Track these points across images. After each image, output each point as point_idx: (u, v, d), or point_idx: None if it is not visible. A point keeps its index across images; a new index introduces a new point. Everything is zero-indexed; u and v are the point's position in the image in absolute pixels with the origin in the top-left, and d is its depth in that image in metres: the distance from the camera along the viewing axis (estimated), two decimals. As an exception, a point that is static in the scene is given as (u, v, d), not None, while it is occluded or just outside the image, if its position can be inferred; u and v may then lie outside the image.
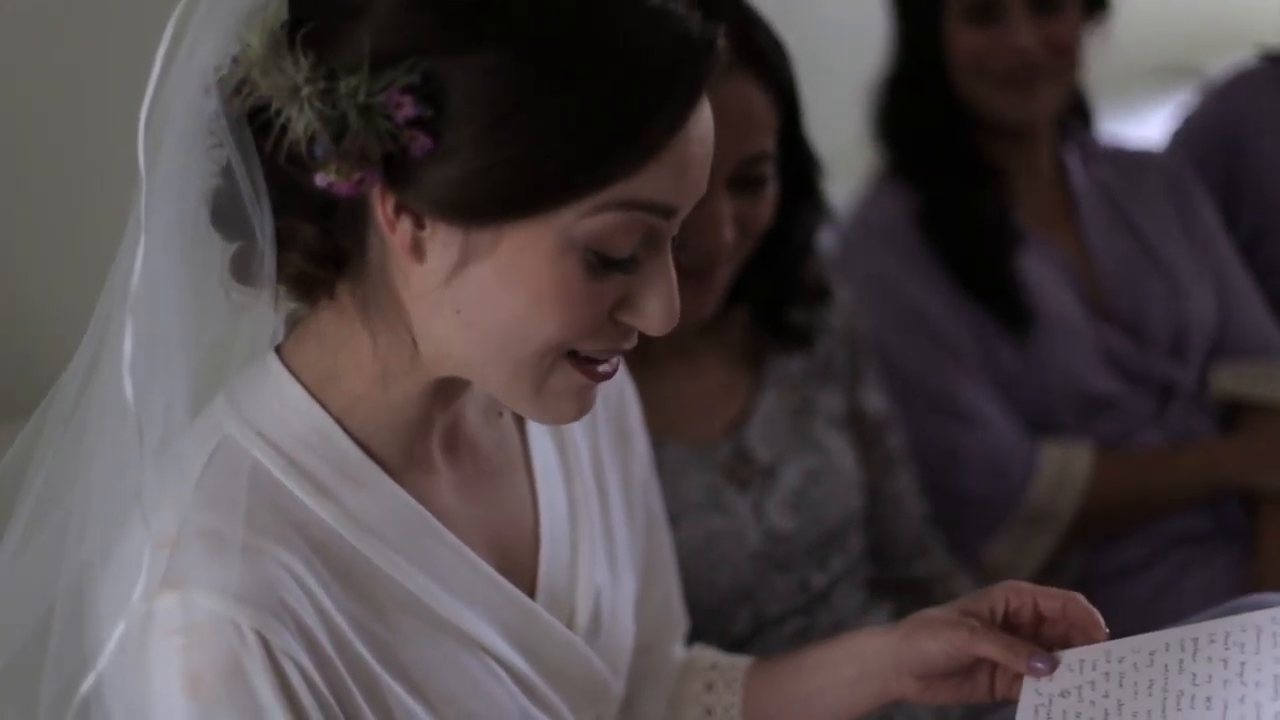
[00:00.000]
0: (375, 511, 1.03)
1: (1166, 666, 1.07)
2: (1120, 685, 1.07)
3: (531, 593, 1.13)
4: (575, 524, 1.18)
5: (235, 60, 0.95)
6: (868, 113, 2.02)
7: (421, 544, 1.04)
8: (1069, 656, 1.10)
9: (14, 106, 1.61)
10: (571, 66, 0.92)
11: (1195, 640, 1.08)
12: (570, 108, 0.92)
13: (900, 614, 1.21)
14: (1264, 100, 2.31)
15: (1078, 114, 2.09)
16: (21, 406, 1.06)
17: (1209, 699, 1.04)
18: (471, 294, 0.96)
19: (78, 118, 1.64)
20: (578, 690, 1.14)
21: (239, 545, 0.95)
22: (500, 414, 1.16)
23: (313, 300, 1.02)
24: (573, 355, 0.99)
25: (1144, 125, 2.62)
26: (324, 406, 1.03)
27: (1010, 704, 1.11)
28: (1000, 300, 1.93)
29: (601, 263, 0.96)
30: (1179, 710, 1.04)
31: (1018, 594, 1.13)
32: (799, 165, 1.53)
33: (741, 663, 1.32)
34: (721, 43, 0.97)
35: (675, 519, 1.42)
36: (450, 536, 1.06)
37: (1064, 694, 1.08)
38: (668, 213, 0.97)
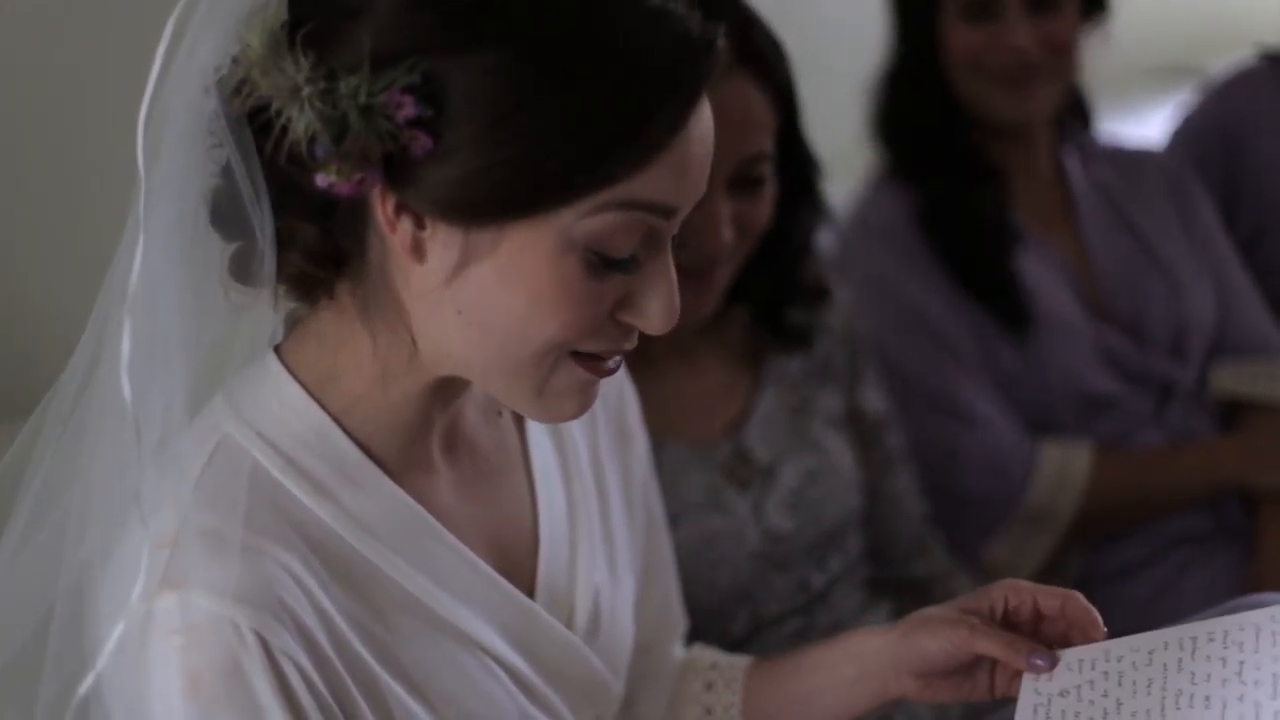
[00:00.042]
0: (374, 511, 1.03)
1: (1165, 665, 1.07)
2: (1119, 684, 1.07)
3: (531, 593, 1.13)
4: (574, 524, 1.18)
5: (235, 60, 0.95)
6: (866, 112, 2.03)
7: (420, 544, 1.04)
8: (1068, 656, 1.10)
9: (14, 106, 1.61)
10: (571, 66, 0.92)
11: (1194, 639, 1.08)
12: (570, 107, 0.92)
13: (899, 614, 1.22)
14: (1263, 100, 2.31)
15: (1077, 114, 2.09)
16: (21, 406, 1.06)
17: (1208, 698, 1.04)
18: (472, 294, 0.96)
19: (78, 118, 1.64)
20: (577, 690, 1.14)
21: (238, 545, 0.95)
22: (499, 414, 1.16)
23: (312, 300, 1.02)
24: (575, 353, 0.99)
25: (1143, 125, 2.62)
26: (323, 406, 1.03)
27: (1010, 702, 1.11)
28: (999, 300, 1.93)
29: (602, 262, 0.96)
30: (1178, 709, 1.04)
31: (1017, 592, 1.14)
32: (798, 165, 1.53)
33: (741, 662, 1.32)
34: (722, 43, 0.97)
35: (675, 519, 1.42)
36: (449, 536, 1.06)
37: (1063, 693, 1.08)
38: (668, 213, 0.97)
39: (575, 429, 1.21)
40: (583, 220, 0.94)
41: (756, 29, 1.46)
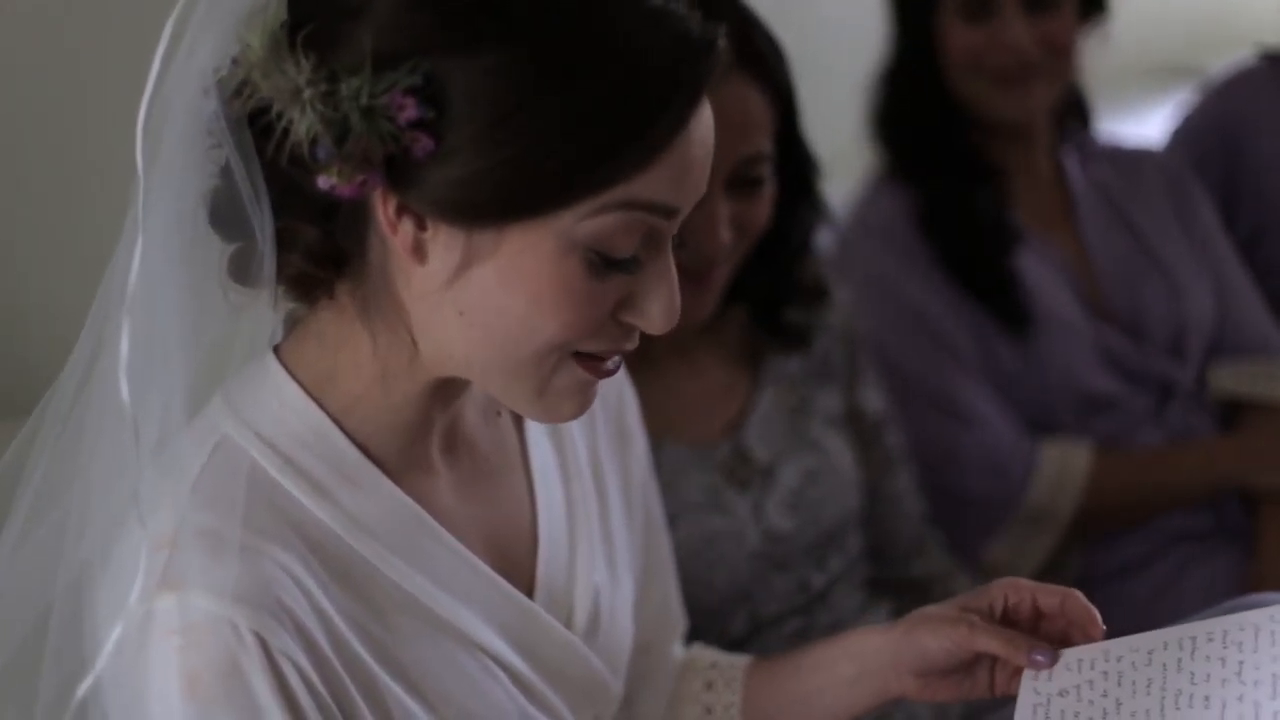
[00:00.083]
0: (373, 512, 1.03)
1: (1165, 665, 1.07)
2: (1119, 684, 1.07)
3: (530, 593, 1.13)
4: (573, 524, 1.18)
5: (235, 62, 0.95)
6: (865, 112, 2.03)
7: (419, 544, 1.04)
8: (1068, 655, 1.10)
9: (14, 106, 1.61)
10: (572, 66, 0.92)
11: (1193, 639, 1.08)
12: (570, 107, 0.92)
13: (899, 614, 1.22)
14: (1263, 100, 2.31)
15: (1076, 113, 2.09)
16: (21, 406, 1.06)
17: (1207, 698, 1.04)
18: (474, 295, 0.96)
19: (78, 118, 1.64)
20: (576, 690, 1.14)
21: (237, 545, 0.95)
22: (499, 414, 1.16)
23: (312, 301, 1.02)
24: (576, 352, 1.00)
25: (1143, 125, 2.63)
26: (322, 407, 1.03)
27: (1009, 702, 1.11)
28: (999, 300, 1.93)
29: (603, 263, 0.96)
30: (1177, 709, 1.04)
31: (1016, 590, 1.14)
32: (796, 166, 1.53)
33: (741, 661, 1.32)
34: (723, 43, 0.97)
35: (674, 519, 1.42)
36: (448, 537, 1.06)
37: (1062, 693, 1.08)
38: (669, 213, 0.97)
39: (575, 429, 1.21)
40: (584, 221, 0.94)
41: (756, 29, 1.46)
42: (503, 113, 0.91)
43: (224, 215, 0.96)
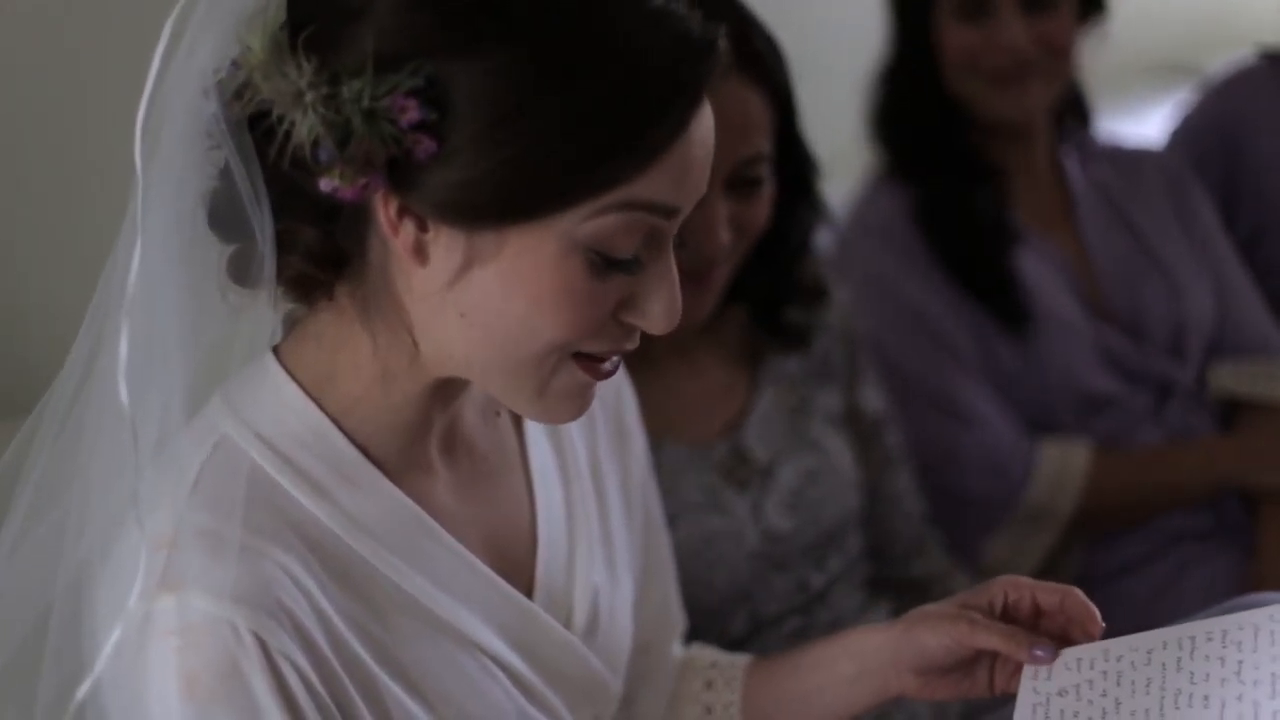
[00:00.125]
0: (372, 512, 1.03)
1: (1164, 665, 1.07)
2: (1118, 684, 1.07)
3: (529, 593, 1.13)
4: (572, 524, 1.18)
5: (236, 64, 0.95)
6: (864, 112, 2.03)
7: (418, 545, 1.04)
8: (1067, 655, 1.10)
9: (14, 106, 1.61)
10: (572, 66, 0.92)
11: (1193, 639, 1.08)
12: (571, 108, 0.92)
13: (898, 614, 1.22)
14: (1262, 99, 2.30)
15: (1076, 113, 2.09)
16: (21, 405, 1.06)
17: (1206, 697, 1.04)
18: (475, 297, 0.96)
19: (78, 118, 1.64)
20: (576, 690, 1.14)
21: (236, 546, 0.95)
22: (498, 414, 1.16)
23: (311, 301, 1.02)
24: (575, 354, 1.00)
25: (1143, 124, 2.62)
26: (321, 407, 1.03)
27: (1008, 701, 1.11)
28: (999, 299, 1.93)
29: (605, 263, 0.96)
30: (1177, 709, 1.04)
31: (1016, 587, 1.14)
32: (795, 166, 1.53)
33: (741, 661, 1.32)
34: (723, 43, 0.97)
35: (673, 519, 1.42)
36: (447, 537, 1.06)
37: (1062, 692, 1.08)
38: (670, 213, 0.97)
39: (574, 429, 1.21)
40: (585, 222, 0.94)
41: (754, 30, 1.46)
42: (504, 114, 0.91)
43: (223, 216, 0.96)
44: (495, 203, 0.93)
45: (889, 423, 1.72)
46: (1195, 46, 3.13)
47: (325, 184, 0.92)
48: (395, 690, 1.01)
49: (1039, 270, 1.97)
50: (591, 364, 1.00)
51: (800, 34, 1.60)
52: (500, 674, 1.08)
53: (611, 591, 1.20)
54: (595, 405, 1.06)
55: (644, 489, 1.30)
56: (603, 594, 1.18)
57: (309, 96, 0.91)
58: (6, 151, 1.62)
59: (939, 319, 1.92)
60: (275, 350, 1.05)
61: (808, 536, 1.57)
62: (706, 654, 1.34)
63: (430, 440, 1.07)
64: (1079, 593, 1.12)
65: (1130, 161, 2.12)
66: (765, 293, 1.59)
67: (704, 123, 0.97)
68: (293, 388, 1.03)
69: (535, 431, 1.18)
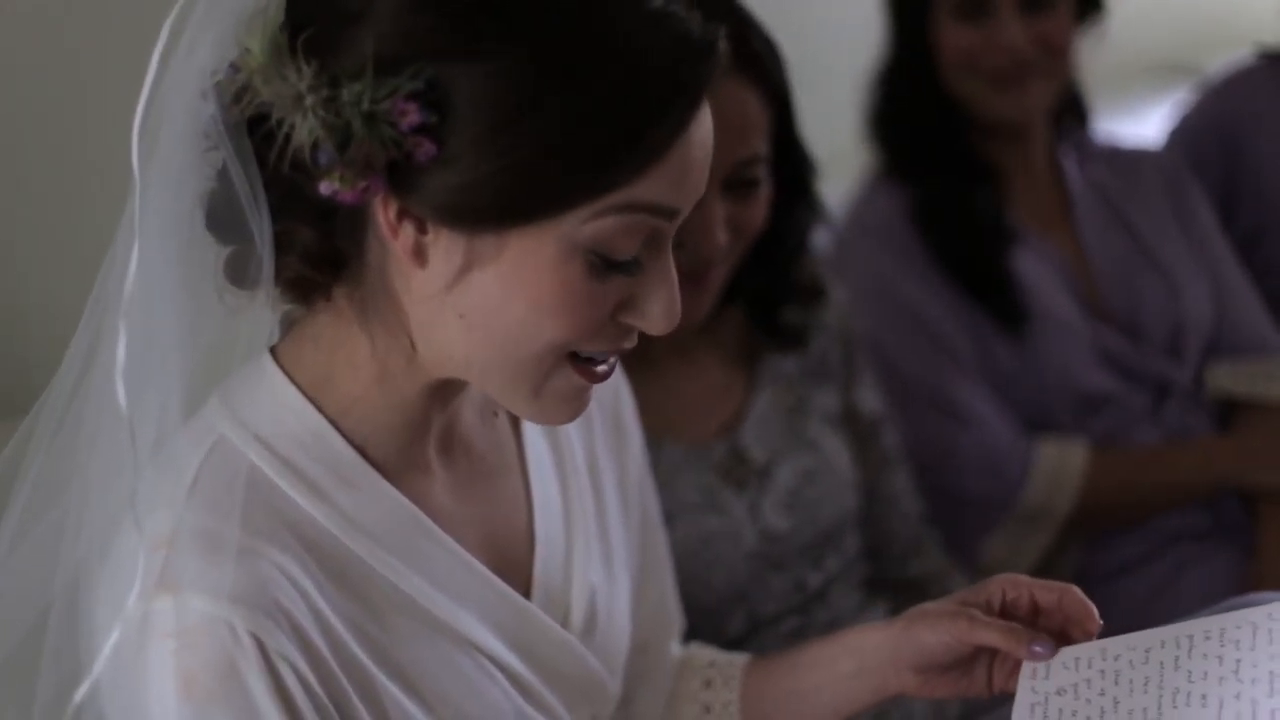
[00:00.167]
0: (370, 513, 1.03)
1: (1162, 664, 1.07)
2: (1116, 683, 1.07)
3: (527, 593, 1.13)
4: (570, 523, 1.18)
5: (235, 67, 0.95)
6: (862, 112, 2.03)
7: (416, 545, 1.04)
8: (1065, 654, 1.10)
9: (14, 106, 1.61)
10: (572, 68, 0.92)
11: (1191, 637, 1.08)
12: (571, 110, 0.92)
13: (896, 613, 1.22)
14: (1261, 99, 2.30)
15: (1074, 113, 2.09)
16: (21, 405, 1.06)
17: (1205, 696, 1.04)
18: (475, 298, 0.96)
19: (78, 118, 1.64)
20: (574, 690, 1.15)
21: (234, 547, 0.95)
22: (495, 414, 1.16)
23: (309, 303, 1.02)
24: (572, 356, 1.00)
25: (1141, 124, 2.62)
26: (319, 408, 1.03)
27: (1007, 699, 1.11)
28: (996, 299, 1.93)
29: (604, 265, 0.96)
30: (1175, 707, 1.04)
31: (1015, 585, 1.14)
32: (793, 166, 1.54)
33: (739, 660, 1.32)
34: (722, 45, 0.97)
35: (671, 519, 1.42)
36: (445, 537, 1.06)
37: (1060, 691, 1.08)
38: (670, 214, 0.97)
39: (571, 428, 1.21)
40: (585, 224, 0.94)
41: (753, 30, 1.47)
42: (504, 117, 0.91)
43: (221, 217, 0.96)
44: (495, 205, 0.93)
45: (886, 423, 1.72)
46: (1194, 46, 3.13)
47: (325, 187, 0.92)
48: (393, 690, 1.01)
49: (1037, 270, 1.97)
50: (586, 368, 1.00)
51: (799, 34, 1.60)
52: (498, 674, 1.08)
53: (609, 591, 1.20)
54: (593, 404, 1.06)
55: (641, 488, 1.30)
56: (600, 593, 1.18)
57: (309, 100, 0.91)
58: (6, 151, 1.62)
59: (937, 319, 1.92)
60: (273, 351, 1.05)
61: (805, 536, 1.57)
62: (704, 653, 1.34)
63: (428, 440, 1.07)
64: (1077, 591, 1.12)
65: (1128, 161, 2.12)
66: (763, 293, 1.59)
67: (704, 124, 0.97)
68: (291, 389, 1.03)
69: (533, 431, 1.18)
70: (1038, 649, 1.10)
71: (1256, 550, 1.95)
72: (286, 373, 1.03)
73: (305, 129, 0.92)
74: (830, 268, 1.74)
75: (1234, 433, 2.03)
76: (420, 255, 0.96)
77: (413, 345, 1.01)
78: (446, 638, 1.05)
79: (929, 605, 1.17)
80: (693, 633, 1.41)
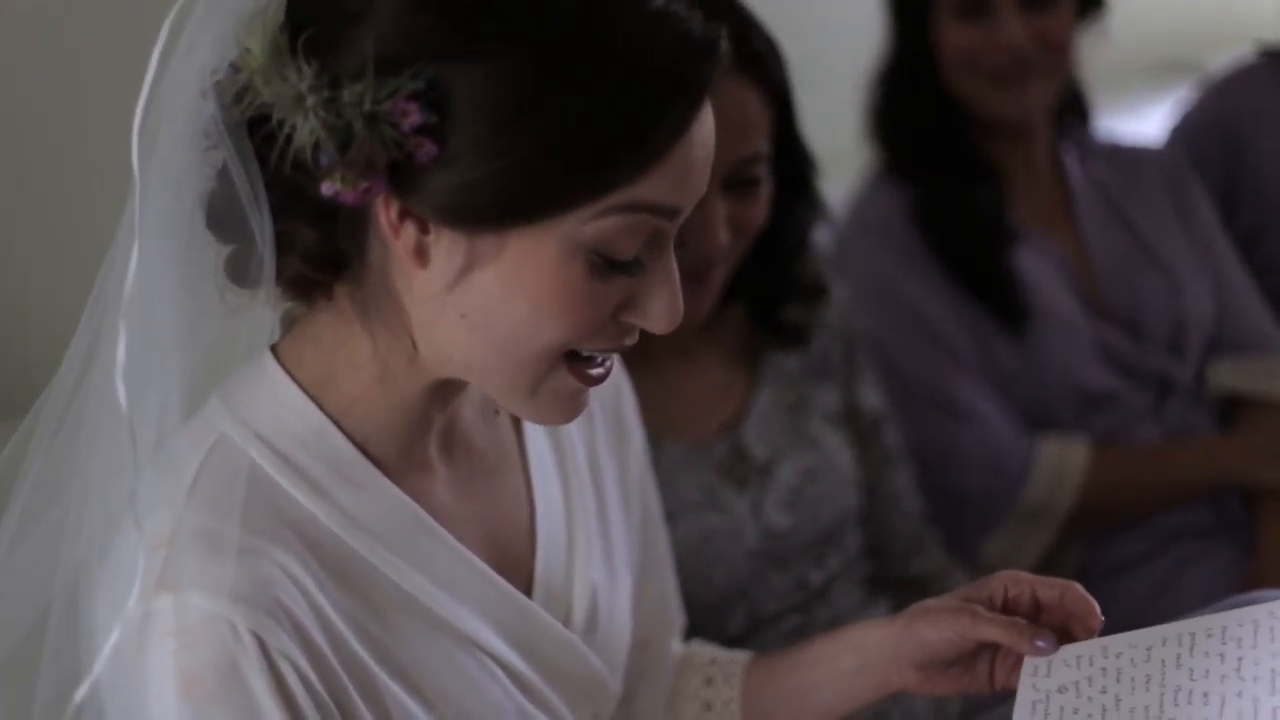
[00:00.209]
0: (371, 511, 1.03)
1: (1164, 662, 1.07)
2: (1118, 680, 1.07)
3: (528, 591, 1.13)
4: (571, 521, 1.18)
5: (235, 67, 0.95)
6: (863, 110, 2.03)
7: (418, 543, 1.04)
8: (1067, 651, 1.10)
9: (14, 106, 1.61)
10: (572, 68, 0.91)
11: (1192, 635, 1.08)
12: (572, 110, 0.91)
13: (897, 611, 1.22)
14: (1262, 97, 2.30)
15: (1075, 111, 2.09)
16: (21, 405, 1.06)
17: (1206, 694, 1.04)
18: (476, 299, 0.96)
19: (78, 118, 1.64)
20: (575, 688, 1.15)
21: (235, 545, 0.95)
22: (496, 412, 1.16)
23: (310, 302, 1.02)
24: (569, 358, 1.00)
25: (1142, 122, 2.62)
26: (320, 407, 1.03)
27: (1008, 697, 1.11)
28: (997, 297, 1.93)
29: (606, 265, 0.96)
30: (1176, 705, 1.04)
31: (1016, 582, 1.14)
32: (794, 164, 1.54)
33: (740, 657, 1.32)
34: (724, 44, 0.97)
35: (672, 517, 1.42)
36: (446, 535, 1.06)
37: (1061, 689, 1.08)
38: (672, 214, 0.97)
39: (572, 426, 1.21)
40: (587, 224, 0.94)
41: (753, 30, 1.46)
42: (505, 117, 0.91)
43: (221, 217, 0.96)
44: (496, 206, 0.93)
45: (887, 421, 1.72)
46: (1195, 44, 3.13)
47: (327, 188, 0.92)
48: (394, 689, 1.01)
49: (1038, 268, 1.97)
50: (581, 371, 1.00)
51: (800, 34, 1.60)
52: (499, 672, 1.08)
53: (610, 588, 1.20)
54: (594, 403, 1.06)
55: (642, 486, 1.30)
56: (601, 591, 1.18)
57: (310, 100, 0.91)
58: (6, 151, 1.62)
59: (938, 317, 1.92)
60: (274, 350, 1.05)
61: (806, 534, 1.57)
62: (706, 650, 1.34)
63: (429, 439, 1.07)
64: (1079, 587, 1.12)
65: (1129, 159, 2.12)
66: (764, 291, 1.59)
67: (705, 124, 0.97)
68: (292, 387, 1.03)
69: (534, 429, 1.18)
70: (1040, 643, 1.10)
71: (1258, 548, 1.95)
72: (287, 371, 1.03)
73: (306, 129, 0.92)
74: (831, 266, 1.74)
75: (1236, 430, 2.03)
76: (422, 255, 0.96)
77: (414, 345, 1.01)
78: (448, 636, 1.05)
79: (931, 602, 1.17)
80: (694, 630, 1.41)
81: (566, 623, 1.15)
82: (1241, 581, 1.86)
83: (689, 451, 1.54)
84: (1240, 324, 2.07)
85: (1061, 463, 1.91)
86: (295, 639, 0.95)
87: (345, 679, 0.98)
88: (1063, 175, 2.06)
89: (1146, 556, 1.94)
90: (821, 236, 1.73)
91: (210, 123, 0.94)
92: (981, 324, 1.93)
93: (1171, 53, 3.11)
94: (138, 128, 0.93)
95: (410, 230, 0.95)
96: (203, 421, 1.02)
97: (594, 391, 1.04)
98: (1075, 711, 1.07)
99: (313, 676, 0.96)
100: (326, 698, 0.97)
